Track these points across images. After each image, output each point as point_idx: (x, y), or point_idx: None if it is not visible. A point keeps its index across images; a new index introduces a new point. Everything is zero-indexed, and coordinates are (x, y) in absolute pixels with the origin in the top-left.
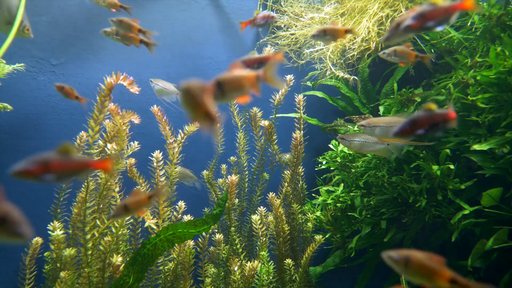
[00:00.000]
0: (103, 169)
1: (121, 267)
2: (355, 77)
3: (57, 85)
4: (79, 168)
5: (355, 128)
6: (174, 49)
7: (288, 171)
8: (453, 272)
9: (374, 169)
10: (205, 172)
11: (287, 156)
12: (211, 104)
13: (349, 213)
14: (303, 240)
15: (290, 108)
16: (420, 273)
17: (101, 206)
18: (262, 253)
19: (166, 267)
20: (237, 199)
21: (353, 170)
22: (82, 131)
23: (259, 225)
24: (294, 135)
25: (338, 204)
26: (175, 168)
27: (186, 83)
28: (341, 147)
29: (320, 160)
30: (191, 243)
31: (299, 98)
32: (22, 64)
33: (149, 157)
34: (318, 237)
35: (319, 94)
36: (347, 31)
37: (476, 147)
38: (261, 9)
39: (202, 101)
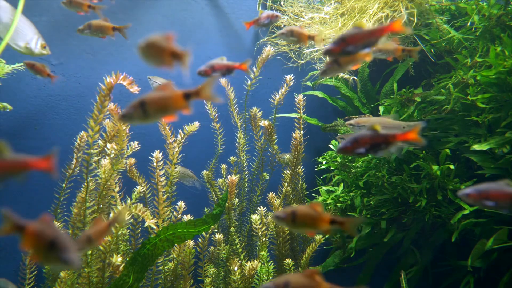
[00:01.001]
0: (43, 169)
1: (121, 267)
2: (355, 77)
3: (27, 63)
4: (14, 169)
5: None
6: None
7: (288, 171)
8: (331, 214)
9: (374, 169)
10: (205, 172)
11: (287, 156)
12: (173, 44)
13: (349, 213)
14: (303, 240)
15: (290, 108)
16: (306, 223)
17: (101, 206)
18: (262, 253)
19: (166, 267)
20: (237, 199)
21: (353, 170)
22: (82, 131)
23: (259, 225)
24: (294, 135)
25: (338, 204)
26: (175, 168)
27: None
28: None
29: (320, 160)
30: (191, 243)
31: (299, 98)
32: (22, 64)
33: (149, 157)
34: (318, 237)
35: (319, 94)
36: (310, 37)
37: (476, 147)
38: (260, 9)
39: (164, 44)
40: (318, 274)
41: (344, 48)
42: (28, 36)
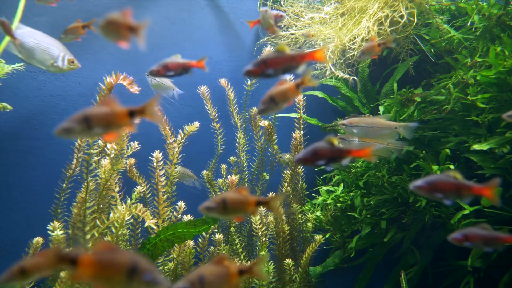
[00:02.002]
0: None
1: None
2: (355, 77)
3: None
4: None
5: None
6: (174, 49)
7: (288, 171)
8: (256, 196)
9: (374, 169)
10: (205, 172)
11: (287, 156)
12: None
13: (349, 213)
14: (303, 240)
15: (290, 108)
16: (236, 208)
17: (101, 206)
18: (262, 253)
19: (166, 267)
20: None
21: (353, 170)
22: None
23: (259, 225)
24: (294, 135)
25: (338, 204)
26: (175, 168)
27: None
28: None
29: None
30: (191, 243)
31: (299, 98)
32: (21, 64)
33: (149, 157)
34: (318, 237)
35: (319, 94)
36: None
37: (476, 147)
38: (261, 9)
39: (120, 19)
40: (226, 259)
41: (264, 71)
42: (54, 54)
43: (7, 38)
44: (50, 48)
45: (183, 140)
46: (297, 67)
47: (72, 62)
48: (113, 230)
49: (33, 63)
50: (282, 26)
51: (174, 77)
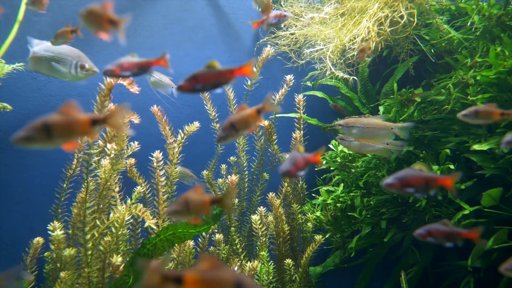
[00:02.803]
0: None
1: (121, 267)
2: (355, 77)
3: None
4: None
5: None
6: (174, 49)
7: None
8: (210, 195)
9: (374, 169)
10: (205, 172)
11: (287, 156)
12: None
13: (349, 213)
14: (303, 240)
15: (290, 108)
16: (197, 209)
17: (101, 206)
18: (262, 253)
19: (166, 267)
20: (237, 199)
21: (353, 170)
22: None
23: (259, 225)
24: (294, 135)
25: (338, 204)
26: (175, 168)
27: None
28: (341, 147)
29: None
30: (191, 243)
31: (299, 98)
32: (21, 64)
33: (149, 157)
34: (318, 237)
35: (319, 94)
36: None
37: (476, 147)
38: (260, 9)
39: (101, 11)
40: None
41: (195, 86)
42: (68, 63)
43: (9, 39)
44: (65, 58)
45: (183, 140)
46: (227, 82)
47: (83, 67)
48: (113, 230)
49: (55, 76)
50: (282, 26)
51: (131, 77)
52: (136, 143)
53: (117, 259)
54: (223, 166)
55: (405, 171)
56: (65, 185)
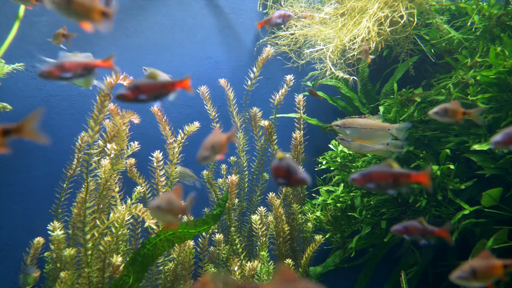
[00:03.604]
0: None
1: (121, 267)
2: (355, 77)
3: None
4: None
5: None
6: (174, 49)
7: None
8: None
9: None
10: (205, 172)
11: (287, 155)
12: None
13: (349, 213)
14: (303, 240)
15: (290, 108)
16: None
17: (101, 206)
18: (262, 253)
19: (166, 267)
20: (237, 199)
21: (353, 170)
22: (83, 132)
23: (259, 225)
24: (294, 135)
25: (338, 204)
26: (175, 168)
27: None
28: (341, 147)
29: (320, 160)
30: (191, 243)
31: (299, 98)
32: (21, 64)
33: (149, 157)
34: (318, 237)
35: (319, 94)
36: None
37: (476, 147)
38: (261, 9)
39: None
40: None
41: (137, 96)
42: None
43: (8, 39)
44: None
45: (183, 140)
46: (167, 94)
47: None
48: (113, 230)
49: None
50: (282, 26)
51: (72, 79)
52: (136, 143)
53: (117, 259)
54: (223, 166)
55: (373, 167)
56: (65, 185)
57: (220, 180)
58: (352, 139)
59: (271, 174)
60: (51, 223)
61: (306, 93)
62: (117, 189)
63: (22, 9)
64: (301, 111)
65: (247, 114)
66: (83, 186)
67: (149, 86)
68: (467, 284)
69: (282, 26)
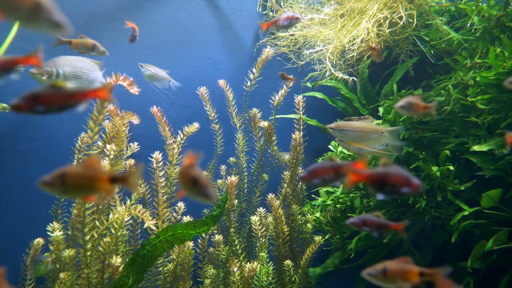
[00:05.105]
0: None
1: (120, 268)
2: (354, 78)
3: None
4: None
5: None
6: (174, 50)
7: (287, 172)
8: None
9: None
10: (204, 173)
11: (287, 156)
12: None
13: (348, 214)
14: (303, 241)
15: (289, 109)
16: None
17: (101, 207)
18: (262, 254)
19: (165, 268)
20: (236, 200)
21: None
22: (83, 133)
23: (259, 226)
24: (293, 136)
25: (337, 205)
26: (175, 168)
27: None
28: (340, 148)
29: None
30: (190, 244)
31: (299, 99)
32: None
33: (149, 158)
34: (317, 238)
35: (318, 95)
36: None
37: (476, 148)
38: (260, 10)
39: None
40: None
41: (34, 107)
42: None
43: (8, 39)
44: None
45: (182, 141)
46: (76, 105)
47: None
48: (113, 231)
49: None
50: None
51: None
52: (136, 144)
53: (117, 260)
54: (223, 167)
55: (315, 164)
56: None
57: (219, 181)
58: (346, 141)
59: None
60: (51, 224)
61: (306, 94)
62: (116, 190)
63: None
64: (301, 112)
65: (246, 115)
66: None
67: (51, 96)
68: (377, 282)
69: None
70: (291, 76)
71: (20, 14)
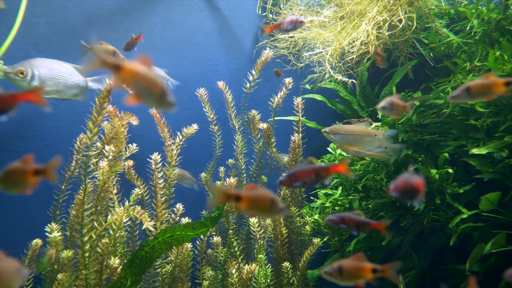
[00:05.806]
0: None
1: (118, 269)
2: (354, 81)
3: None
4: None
5: None
6: (173, 51)
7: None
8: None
9: (373, 173)
10: (203, 175)
11: (286, 158)
12: None
13: None
14: (301, 243)
15: (288, 111)
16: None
17: (99, 208)
18: (260, 256)
19: (164, 270)
20: None
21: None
22: (82, 133)
23: (257, 228)
24: (292, 138)
25: (336, 207)
26: (174, 170)
27: None
28: (339, 150)
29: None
30: (189, 245)
31: (298, 101)
32: None
33: (148, 159)
34: (316, 240)
35: (318, 97)
36: None
37: (475, 151)
38: (260, 12)
39: None
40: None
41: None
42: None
43: (8, 40)
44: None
45: (181, 143)
46: (11, 108)
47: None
48: (111, 232)
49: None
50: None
51: None
52: (135, 145)
53: (115, 261)
54: (222, 168)
55: (296, 167)
56: (63, 186)
57: (218, 182)
58: (340, 145)
59: None
60: (49, 225)
61: (305, 96)
62: (115, 191)
63: (22, 9)
64: (300, 114)
65: (245, 116)
66: (81, 187)
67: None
68: (334, 280)
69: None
70: (287, 78)
71: (152, 99)
